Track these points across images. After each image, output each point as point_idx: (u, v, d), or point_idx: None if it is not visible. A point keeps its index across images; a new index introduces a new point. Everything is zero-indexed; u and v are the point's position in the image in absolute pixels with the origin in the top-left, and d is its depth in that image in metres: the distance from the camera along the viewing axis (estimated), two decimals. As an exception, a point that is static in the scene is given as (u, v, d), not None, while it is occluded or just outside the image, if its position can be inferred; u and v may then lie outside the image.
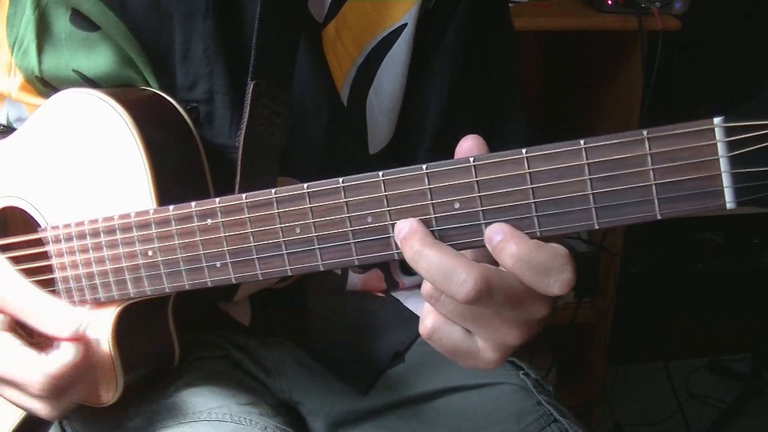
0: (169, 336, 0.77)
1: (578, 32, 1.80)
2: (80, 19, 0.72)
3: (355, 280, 0.91)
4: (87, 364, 0.65)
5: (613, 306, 1.88)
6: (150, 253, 0.64)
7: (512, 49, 0.85)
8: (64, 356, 0.64)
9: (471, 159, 0.51)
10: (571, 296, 1.90)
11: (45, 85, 0.75)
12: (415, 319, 0.84)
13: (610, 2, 1.61)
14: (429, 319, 0.55)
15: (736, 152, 0.45)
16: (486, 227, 0.51)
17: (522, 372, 0.84)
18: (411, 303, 0.91)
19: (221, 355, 0.86)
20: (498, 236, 0.51)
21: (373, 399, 0.84)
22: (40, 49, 0.73)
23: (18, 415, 0.75)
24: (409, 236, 0.52)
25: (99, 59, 0.73)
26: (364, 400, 0.84)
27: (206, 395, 0.78)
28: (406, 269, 0.92)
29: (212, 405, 0.76)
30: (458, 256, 0.51)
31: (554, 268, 0.50)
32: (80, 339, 0.65)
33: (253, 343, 0.87)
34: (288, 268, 0.58)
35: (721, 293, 2.24)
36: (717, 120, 0.45)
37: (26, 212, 0.74)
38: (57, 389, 0.64)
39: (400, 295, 0.93)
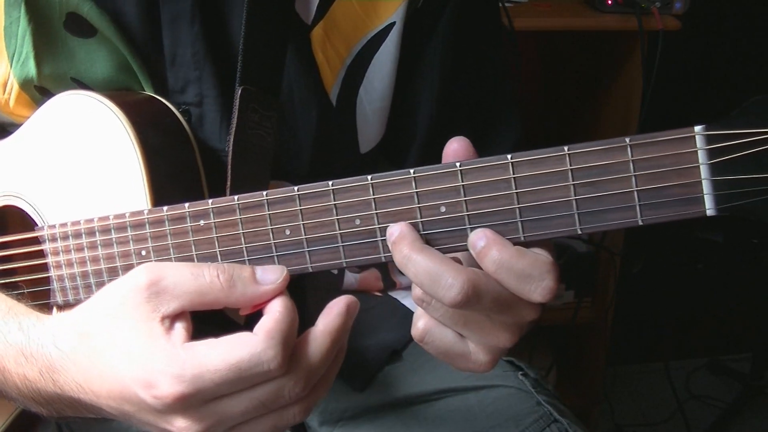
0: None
1: (578, 32, 1.79)
2: (76, 24, 0.72)
3: (351, 279, 0.91)
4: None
5: (613, 306, 1.87)
6: (144, 252, 0.65)
7: (502, 47, 0.85)
8: (282, 309, 0.54)
9: (457, 164, 0.52)
10: (571, 296, 1.90)
11: (42, 92, 0.75)
12: (412, 317, 0.84)
13: (610, 2, 1.60)
14: (421, 322, 0.56)
15: (717, 160, 0.46)
16: (471, 231, 0.52)
17: (521, 372, 0.85)
18: (408, 302, 0.92)
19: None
20: (481, 242, 0.52)
21: (370, 396, 0.85)
22: (38, 59, 0.73)
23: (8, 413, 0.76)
24: (398, 240, 0.53)
25: (97, 65, 0.73)
26: (360, 397, 0.85)
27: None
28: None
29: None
30: (446, 260, 0.52)
31: (535, 276, 0.51)
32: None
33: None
34: (278, 270, 0.59)
35: (721, 293, 2.23)
36: (698, 128, 0.46)
37: (24, 211, 0.74)
38: (296, 353, 0.55)
39: (397, 295, 0.93)
